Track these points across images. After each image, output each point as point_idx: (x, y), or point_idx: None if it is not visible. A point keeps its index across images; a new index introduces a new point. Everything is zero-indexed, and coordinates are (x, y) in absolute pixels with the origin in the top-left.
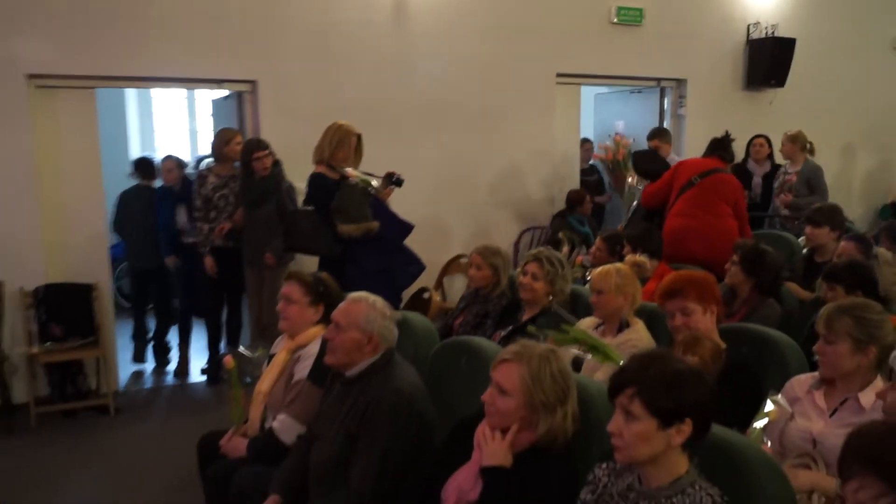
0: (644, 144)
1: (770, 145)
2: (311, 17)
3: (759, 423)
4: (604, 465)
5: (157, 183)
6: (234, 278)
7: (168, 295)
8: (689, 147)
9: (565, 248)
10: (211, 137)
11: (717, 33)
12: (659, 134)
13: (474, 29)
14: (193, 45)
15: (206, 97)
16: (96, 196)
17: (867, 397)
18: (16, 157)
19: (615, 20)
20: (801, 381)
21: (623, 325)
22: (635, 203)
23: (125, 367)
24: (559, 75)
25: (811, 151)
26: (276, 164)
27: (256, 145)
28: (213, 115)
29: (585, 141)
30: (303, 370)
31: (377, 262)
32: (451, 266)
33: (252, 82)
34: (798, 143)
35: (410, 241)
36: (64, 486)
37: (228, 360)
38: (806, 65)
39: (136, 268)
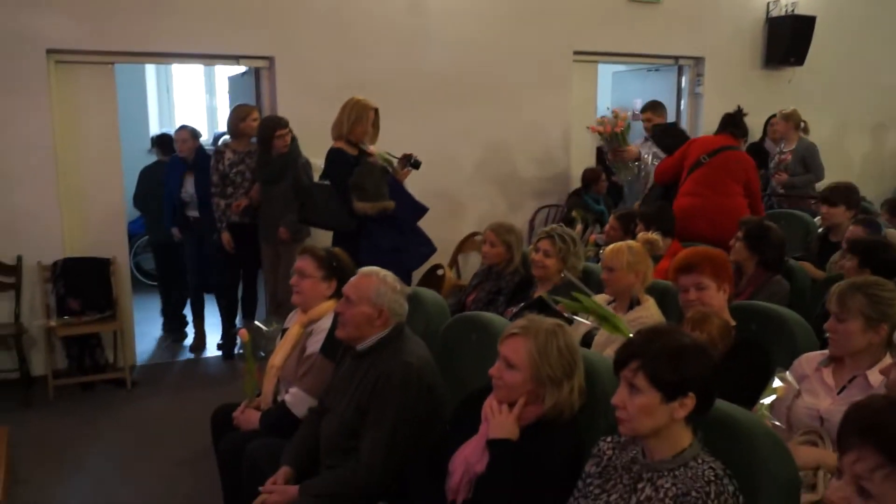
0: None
1: None
2: None
3: (767, 400)
4: (609, 439)
5: None
6: (250, 254)
7: (183, 268)
8: (707, 126)
9: (578, 227)
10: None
11: (736, 11)
12: (651, 107)
13: (492, 6)
14: (211, 20)
15: (225, 74)
16: (115, 171)
17: (876, 375)
18: (35, 133)
19: None
20: (810, 359)
21: (634, 303)
22: (651, 181)
23: (142, 342)
24: (576, 53)
25: (805, 130)
26: (293, 140)
27: (277, 123)
28: (230, 91)
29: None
30: (315, 344)
31: (390, 241)
32: (466, 243)
33: (269, 58)
34: (792, 122)
35: (425, 220)
36: (81, 457)
37: (244, 334)
38: (826, 43)
39: (157, 242)
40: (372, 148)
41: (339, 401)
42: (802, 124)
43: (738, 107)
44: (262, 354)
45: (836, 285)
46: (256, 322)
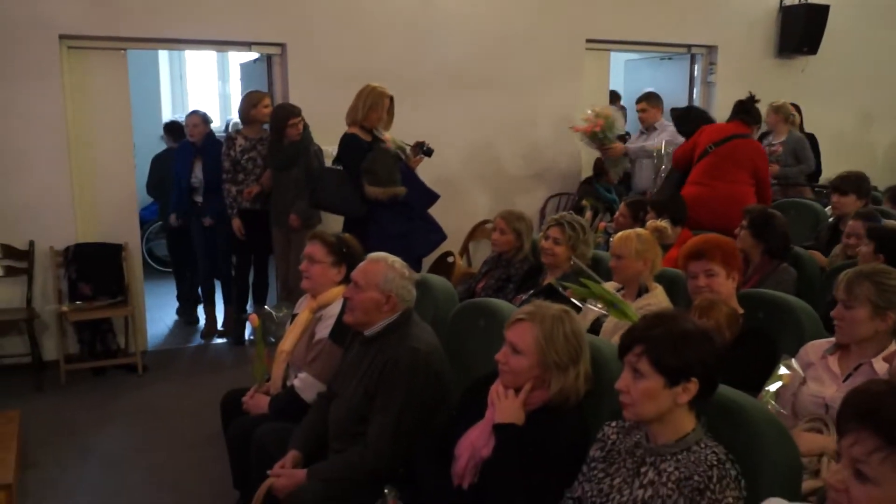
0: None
1: (800, 113)
2: None
3: (772, 387)
4: (613, 424)
5: None
6: (261, 240)
7: (194, 254)
8: (719, 115)
9: (588, 214)
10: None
11: None
12: (646, 97)
13: None
14: (224, 7)
15: (238, 61)
16: (127, 157)
17: (881, 363)
18: (47, 118)
19: None
20: (816, 347)
21: (642, 290)
22: (664, 168)
23: (154, 327)
24: (588, 41)
25: (794, 123)
26: (305, 127)
27: (291, 111)
28: (243, 78)
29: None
30: (324, 330)
31: (399, 226)
32: (477, 231)
33: (281, 45)
34: (781, 114)
35: (437, 207)
36: (91, 441)
37: (254, 319)
38: (839, 32)
39: (170, 228)
40: (386, 135)
41: (347, 386)
42: (791, 117)
43: (750, 93)
44: (272, 340)
45: (844, 273)
46: (267, 307)
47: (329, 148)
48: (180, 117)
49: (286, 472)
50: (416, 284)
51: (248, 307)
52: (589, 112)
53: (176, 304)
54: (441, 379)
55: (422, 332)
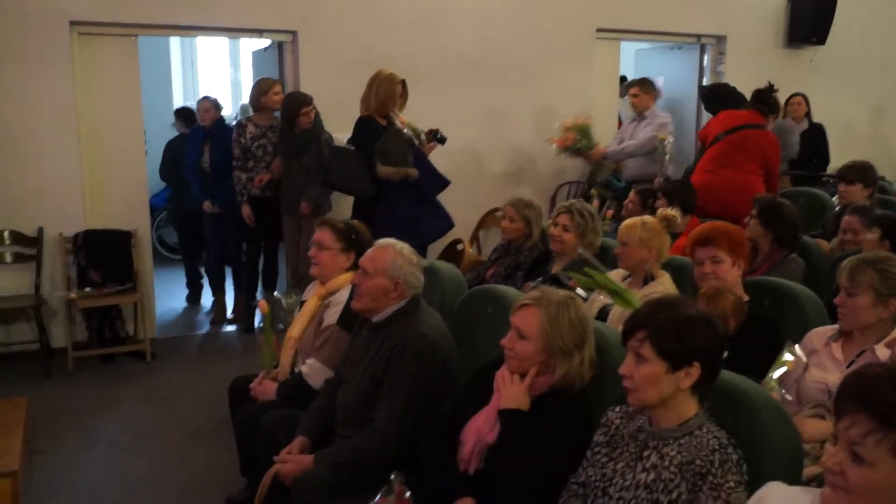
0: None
1: (808, 104)
2: None
3: (776, 374)
4: (617, 409)
5: None
6: (271, 227)
7: (202, 240)
8: None
9: (595, 202)
10: None
11: None
12: (640, 83)
13: None
14: None
15: (249, 48)
16: (138, 144)
17: (883, 349)
18: (58, 105)
19: None
20: (820, 333)
21: (649, 278)
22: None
23: (163, 314)
24: (599, 30)
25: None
26: (316, 115)
27: (303, 100)
28: (254, 65)
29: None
30: (332, 316)
31: (408, 210)
32: (487, 219)
33: (292, 32)
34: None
35: (447, 194)
36: (98, 428)
37: (263, 305)
38: (847, 23)
39: (179, 215)
40: (402, 117)
41: (354, 372)
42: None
43: (770, 83)
44: (281, 327)
45: (847, 260)
46: (276, 294)
47: (340, 135)
48: (191, 104)
49: (293, 458)
50: (424, 271)
51: (258, 294)
52: (559, 126)
53: (185, 291)
54: (448, 365)
55: (430, 318)
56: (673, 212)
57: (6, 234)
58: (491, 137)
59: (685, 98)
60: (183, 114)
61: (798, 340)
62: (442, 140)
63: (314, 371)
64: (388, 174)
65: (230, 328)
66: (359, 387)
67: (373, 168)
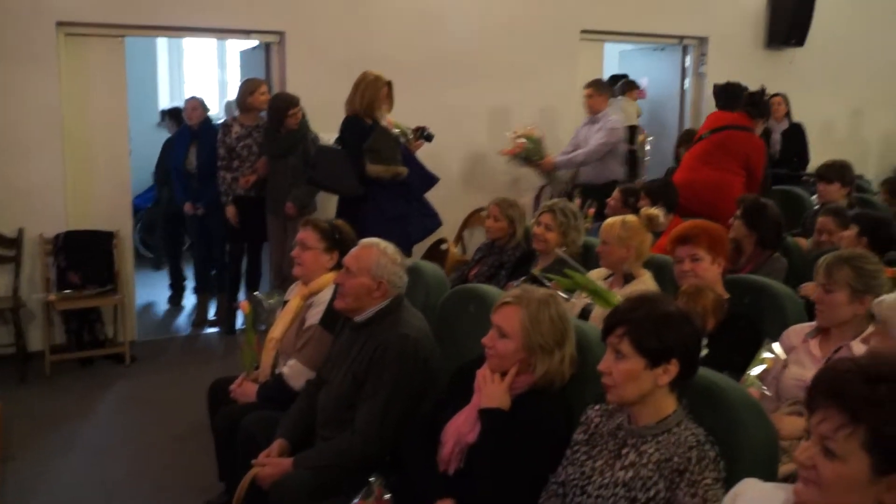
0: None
1: (788, 103)
2: None
3: (755, 371)
4: (596, 407)
5: None
6: (255, 228)
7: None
8: (711, 105)
9: (577, 201)
10: None
11: None
12: (593, 84)
13: None
14: None
15: (237, 48)
16: (122, 144)
17: (860, 346)
18: (42, 105)
19: None
20: (798, 330)
21: (630, 277)
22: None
23: (144, 316)
24: (583, 31)
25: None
26: (302, 115)
27: (290, 102)
28: (242, 66)
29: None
30: (315, 316)
31: (396, 208)
32: (472, 219)
33: (280, 33)
34: None
35: (432, 194)
36: (75, 433)
37: (244, 306)
38: (826, 25)
39: (169, 213)
40: (389, 118)
41: (336, 373)
42: None
43: (762, 87)
44: (263, 328)
45: (824, 258)
46: (257, 293)
47: (326, 135)
48: (178, 104)
49: (271, 461)
50: (407, 271)
51: (241, 296)
52: (511, 134)
53: (167, 294)
54: (430, 365)
55: (412, 318)
56: (656, 210)
57: None
58: (476, 137)
59: (668, 98)
60: (174, 114)
61: (777, 338)
62: (429, 137)
63: (295, 373)
64: (378, 173)
65: (211, 330)
66: (340, 387)
67: (360, 167)
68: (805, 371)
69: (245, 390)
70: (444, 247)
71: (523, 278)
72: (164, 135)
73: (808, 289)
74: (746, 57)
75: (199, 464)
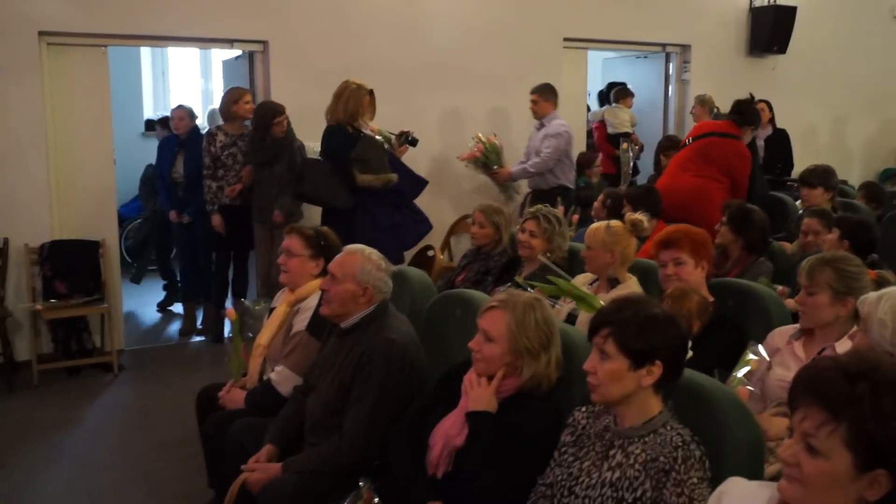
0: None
1: (771, 110)
2: None
3: (740, 373)
4: (583, 409)
5: None
6: (242, 236)
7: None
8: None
9: (561, 207)
10: None
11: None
12: (538, 89)
13: None
14: (206, 4)
15: (220, 57)
16: (106, 154)
17: (843, 347)
18: (25, 115)
19: None
20: (782, 333)
21: (615, 282)
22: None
23: (131, 325)
24: (566, 39)
25: (717, 116)
26: (288, 123)
27: (276, 110)
28: (225, 75)
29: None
30: (301, 322)
31: (390, 217)
32: (458, 226)
33: (263, 42)
34: (706, 106)
35: (419, 201)
36: (63, 443)
37: (231, 313)
38: (807, 32)
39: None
40: (372, 126)
41: (323, 379)
42: (715, 110)
43: (750, 94)
44: (251, 335)
45: (806, 260)
46: (244, 301)
47: (311, 144)
48: (162, 114)
49: (260, 467)
50: (392, 276)
51: (228, 304)
52: (472, 139)
53: (154, 302)
54: (416, 370)
55: (398, 323)
56: (640, 215)
57: None
58: (461, 144)
59: (651, 106)
60: (166, 123)
61: (761, 340)
62: (413, 142)
63: (283, 378)
64: (370, 182)
65: (199, 339)
66: (327, 394)
67: (350, 178)
68: (789, 373)
69: (233, 397)
70: (430, 253)
71: (508, 284)
72: (150, 144)
73: (792, 304)
74: (729, 64)
75: (189, 471)
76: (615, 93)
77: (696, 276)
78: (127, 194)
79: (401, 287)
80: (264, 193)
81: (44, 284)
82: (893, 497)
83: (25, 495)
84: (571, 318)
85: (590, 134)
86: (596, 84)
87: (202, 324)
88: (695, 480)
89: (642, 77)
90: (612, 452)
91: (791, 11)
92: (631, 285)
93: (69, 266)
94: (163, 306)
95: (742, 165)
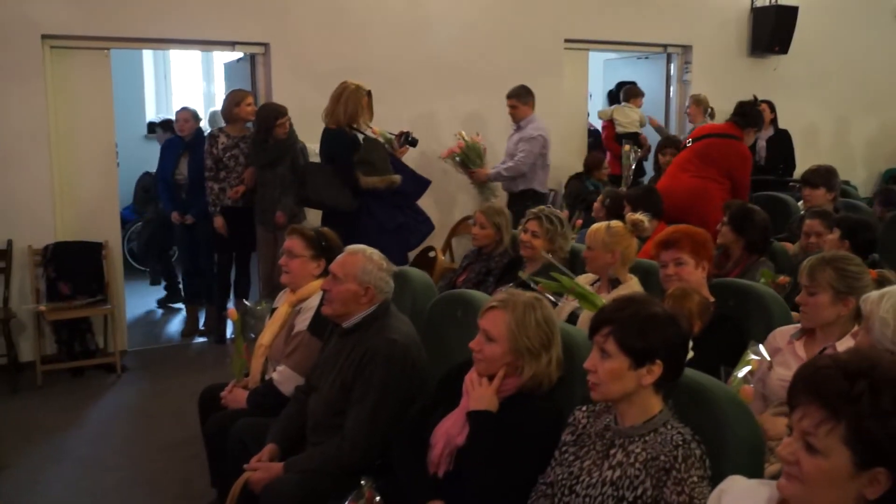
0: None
1: (773, 111)
2: None
3: (741, 373)
4: (584, 408)
5: None
6: (244, 238)
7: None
8: None
9: (565, 213)
10: None
11: (722, 0)
12: (515, 94)
13: None
14: (208, 7)
15: (222, 60)
16: (109, 156)
17: (845, 346)
18: (29, 117)
19: None
20: (783, 332)
21: (616, 282)
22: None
23: (134, 327)
24: (567, 41)
25: (712, 115)
26: (290, 125)
27: (278, 111)
28: (227, 78)
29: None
30: (303, 322)
31: (394, 218)
32: (460, 227)
33: (265, 45)
34: (701, 106)
35: (421, 202)
36: (67, 443)
37: (233, 313)
38: (808, 32)
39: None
40: (374, 127)
41: (325, 379)
42: (710, 110)
43: (754, 96)
44: (252, 336)
45: (807, 260)
46: (246, 301)
47: (313, 145)
48: (164, 116)
49: (262, 466)
50: (394, 277)
51: (230, 305)
52: (455, 136)
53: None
54: (418, 370)
55: (400, 323)
56: (640, 216)
57: None
58: None
59: (653, 106)
60: (169, 125)
61: (762, 340)
62: (413, 142)
63: (285, 378)
64: (374, 184)
65: (201, 339)
66: (329, 394)
67: (353, 181)
68: (791, 372)
69: (235, 397)
70: (431, 254)
71: (511, 284)
72: (152, 146)
73: (796, 316)
74: (730, 64)
75: (191, 471)
76: (625, 91)
77: (697, 276)
78: (130, 197)
79: (402, 287)
80: (267, 195)
81: (47, 286)
82: (893, 495)
83: (29, 495)
84: (573, 318)
85: (590, 134)
86: (597, 85)
87: (204, 325)
88: (695, 479)
89: (643, 78)
90: (612, 451)
91: (792, 11)
92: (632, 285)
93: (73, 267)
94: (163, 303)
95: (742, 166)
